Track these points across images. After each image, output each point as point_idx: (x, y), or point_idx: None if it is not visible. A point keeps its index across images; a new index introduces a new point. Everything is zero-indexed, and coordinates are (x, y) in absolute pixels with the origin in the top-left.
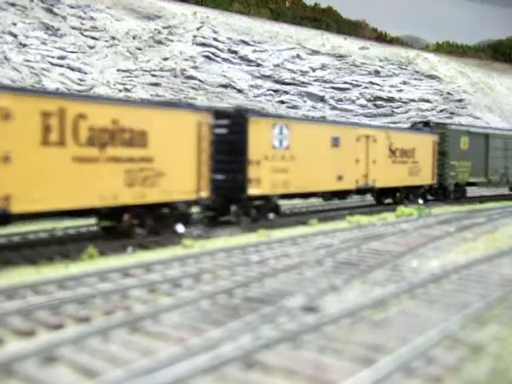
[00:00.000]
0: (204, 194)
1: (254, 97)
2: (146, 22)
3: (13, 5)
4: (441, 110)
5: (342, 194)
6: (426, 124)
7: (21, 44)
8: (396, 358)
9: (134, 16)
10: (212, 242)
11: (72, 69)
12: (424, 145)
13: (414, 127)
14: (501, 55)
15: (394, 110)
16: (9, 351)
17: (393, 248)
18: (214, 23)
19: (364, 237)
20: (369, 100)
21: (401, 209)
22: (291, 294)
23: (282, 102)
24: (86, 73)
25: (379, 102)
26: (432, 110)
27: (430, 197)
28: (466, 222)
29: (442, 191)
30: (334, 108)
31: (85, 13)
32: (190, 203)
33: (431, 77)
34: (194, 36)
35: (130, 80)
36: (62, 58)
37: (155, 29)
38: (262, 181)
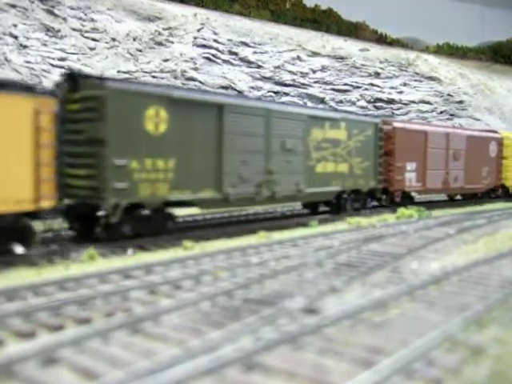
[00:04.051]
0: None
1: (256, 98)
2: (146, 24)
3: (13, 6)
4: (441, 112)
5: None
6: (73, 78)
7: (21, 45)
8: (396, 360)
9: (134, 17)
10: (212, 243)
11: (72, 69)
12: None
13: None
14: (501, 57)
15: (395, 111)
16: (9, 352)
17: (393, 250)
18: (215, 25)
19: (364, 238)
20: (369, 102)
21: (401, 210)
22: (291, 296)
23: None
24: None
25: (379, 104)
26: (432, 111)
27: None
28: (466, 224)
29: (87, 225)
30: (334, 109)
31: (85, 14)
32: None
33: (431, 78)
34: (195, 37)
35: None
36: (62, 59)
37: (155, 30)
38: None
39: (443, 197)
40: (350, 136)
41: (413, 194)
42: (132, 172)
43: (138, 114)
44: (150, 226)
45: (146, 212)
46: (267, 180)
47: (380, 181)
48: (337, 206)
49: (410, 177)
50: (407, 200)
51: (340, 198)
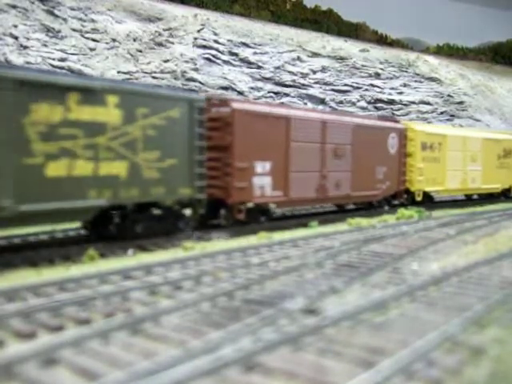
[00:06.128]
0: None
1: (255, 99)
2: (146, 24)
3: (14, 7)
4: (441, 113)
5: None
6: None
7: (22, 46)
8: (396, 361)
9: (134, 18)
10: (212, 244)
11: (73, 71)
12: None
13: None
14: (501, 58)
15: (395, 112)
16: (9, 353)
17: (393, 250)
18: (215, 25)
19: (364, 239)
20: (369, 102)
21: (401, 211)
22: (291, 297)
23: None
24: (86, 75)
25: (380, 105)
26: (432, 112)
27: None
28: (466, 225)
29: None
30: (334, 110)
31: (86, 15)
32: None
33: (431, 79)
34: (195, 38)
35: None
36: (62, 59)
37: (156, 31)
38: None
39: (331, 207)
40: (131, 118)
41: (271, 205)
42: None
43: None
44: None
45: None
46: None
47: (202, 188)
48: (119, 228)
49: (261, 183)
50: (261, 215)
51: (127, 216)
